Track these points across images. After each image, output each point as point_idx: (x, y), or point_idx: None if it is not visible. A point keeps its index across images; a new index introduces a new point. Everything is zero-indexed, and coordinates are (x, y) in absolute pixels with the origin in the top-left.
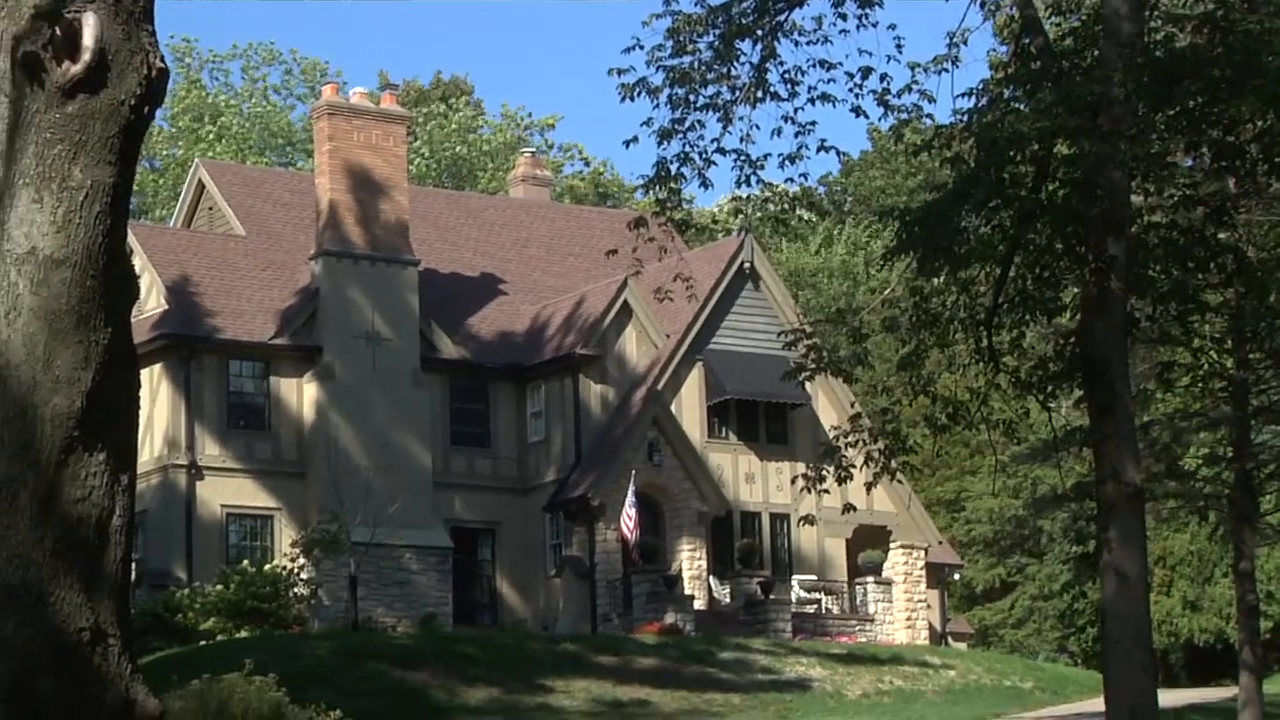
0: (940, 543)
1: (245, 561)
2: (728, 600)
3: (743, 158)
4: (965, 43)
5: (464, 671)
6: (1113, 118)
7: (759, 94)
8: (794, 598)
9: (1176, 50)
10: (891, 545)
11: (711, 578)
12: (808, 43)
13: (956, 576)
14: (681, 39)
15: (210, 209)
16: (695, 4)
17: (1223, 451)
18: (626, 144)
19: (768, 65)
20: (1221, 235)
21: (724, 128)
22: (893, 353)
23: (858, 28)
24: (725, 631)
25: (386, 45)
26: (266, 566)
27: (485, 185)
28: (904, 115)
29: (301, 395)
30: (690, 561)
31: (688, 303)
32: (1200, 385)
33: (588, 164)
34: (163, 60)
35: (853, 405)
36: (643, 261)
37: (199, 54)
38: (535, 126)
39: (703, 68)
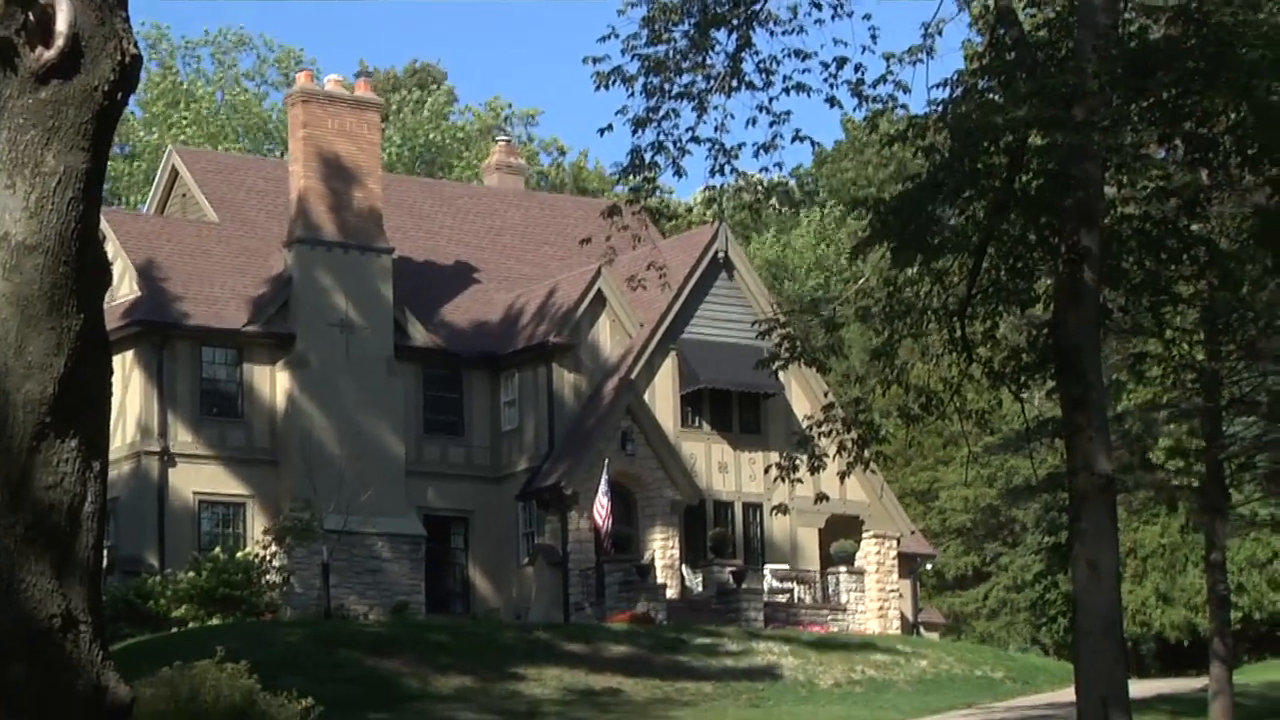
0: (913, 533)
1: (217, 549)
2: (700, 589)
3: (717, 147)
4: (940, 33)
5: (436, 659)
6: (1087, 109)
7: (734, 83)
8: (766, 587)
9: (1150, 42)
10: (864, 535)
11: (684, 567)
12: (783, 32)
13: (929, 566)
14: (657, 28)
15: (184, 195)
16: None
17: (1190, 444)
18: (601, 132)
19: (743, 54)
20: (1194, 227)
21: (699, 117)
22: (867, 342)
23: (833, 17)
24: (697, 620)
25: (363, 35)
26: (239, 554)
27: (460, 173)
28: (879, 105)
29: (274, 383)
30: (663, 550)
31: (661, 292)
32: (1172, 376)
33: (564, 153)
34: (136, 46)
35: (826, 395)
36: (616, 250)
37: (170, 41)
38: (516, 117)
39: (678, 56)
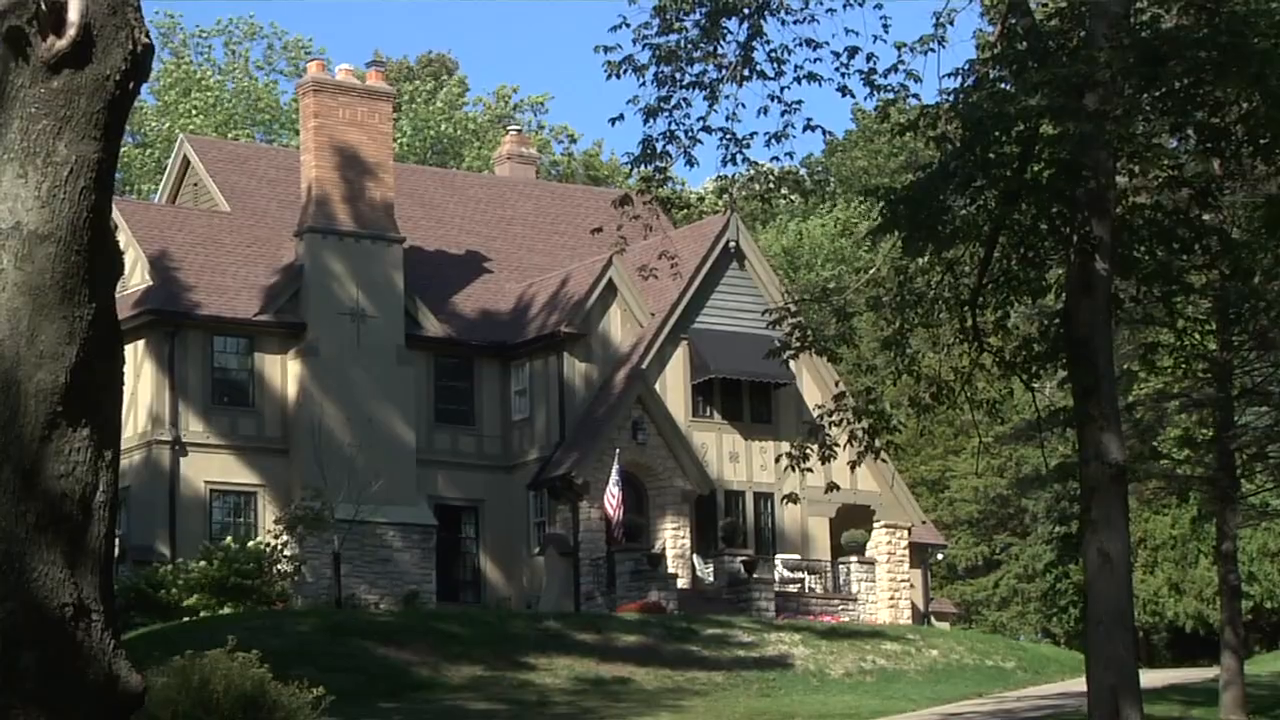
0: (924, 522)
1: (229, 538)
2: (711, 579)
3: (728, 136)
4: (952, 23)
5: (447, 649)
6: (1099, 98)
7: (745, 73)
8: (777, 577)
9: (1162, 31)
10: (875, 525)
11: (695, 556)
12: (794, 21)
13: (940, 556)
14: (668, 17)
15: (195, 185)
16: None
17: (1199, 434)
18: (612, 122)
19: (754, 44)
20: (1206, 217)
21: (710, 106)
22: (878, 331)
23: (844, 7)
24: (708, 610)
25: (374, 25)
26: (250, 543)
27: (470, 163)
28: (890, 95)
29: (285, 372)
30: (674, 540)
31: (672, 281)
32: (1184, 366)
33: (574, 140)
34: (148, 35)
35: (837, 384)
36: (627, 239)
37: (184, 29)
38: (525, 105)
39: (689, 46)
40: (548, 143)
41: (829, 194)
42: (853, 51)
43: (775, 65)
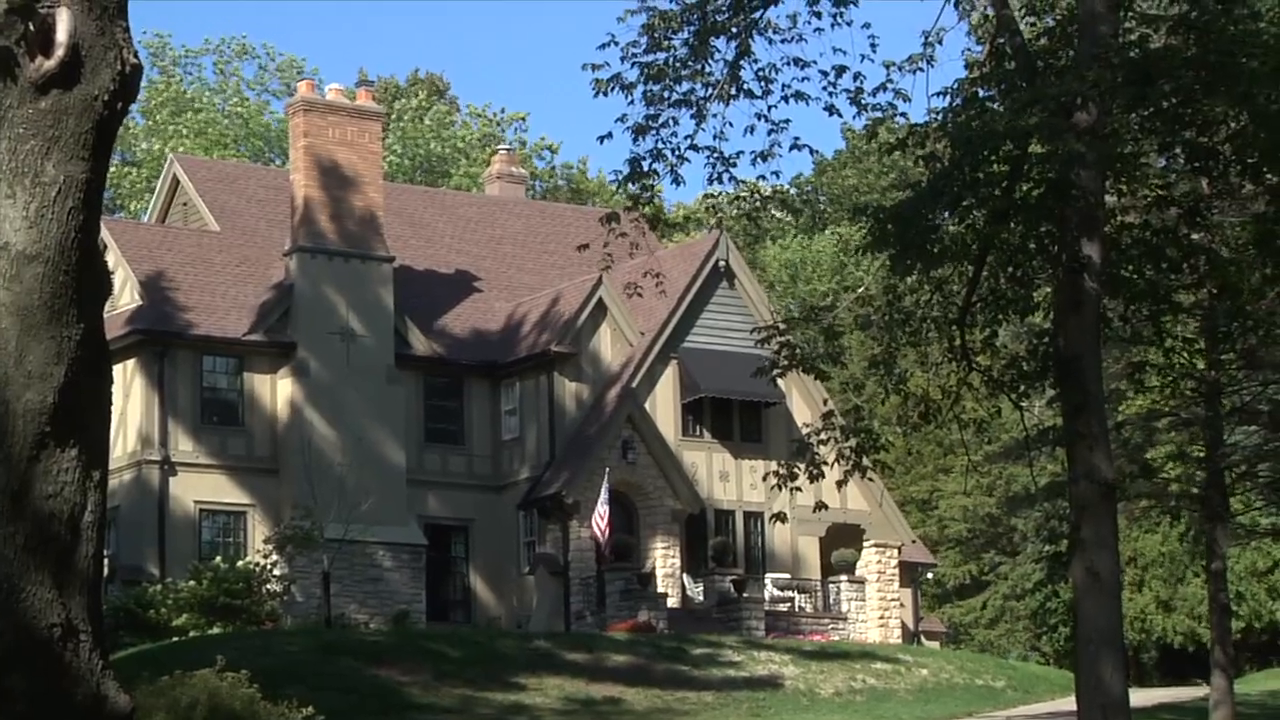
0: (913, 541)
1: (218, 558)
2: (701, 598)
3: (716, 155)
4: (940, 42)
5: (436, 669)
6: (1090, 117)
7: (733, 91)
8: (767, 596)
9: (1151, 51)
10: (865, 544)
11: (685, 576)
12: (782, 41)
13: (930, 575)
14: (656, 35)
15: (185, 204)
16: (671, 1)
17: (1191, 451)
18: (601, 140)
19: (742, 62)
20: (1194, 236)
21: (697, 125)
22: (867, 350)
23: (832, 26)
24: (698, 629)
25: (365, 43)
26: (239, 563)
27: (459, 182)
28: (878, 114)
29: (275, 391)
30: (664, 559)
31: (662, 300)
32: (1172, 386)
33: (554, 153)
34: (136, 56)
35: (826, 403)
36: (614, 257)
37: (172, 50)
38: (506, 122)
39: (677, 64)
40: (529, 158)
41: (819, 214)
42: (840, 70)
43: (763, 84)
